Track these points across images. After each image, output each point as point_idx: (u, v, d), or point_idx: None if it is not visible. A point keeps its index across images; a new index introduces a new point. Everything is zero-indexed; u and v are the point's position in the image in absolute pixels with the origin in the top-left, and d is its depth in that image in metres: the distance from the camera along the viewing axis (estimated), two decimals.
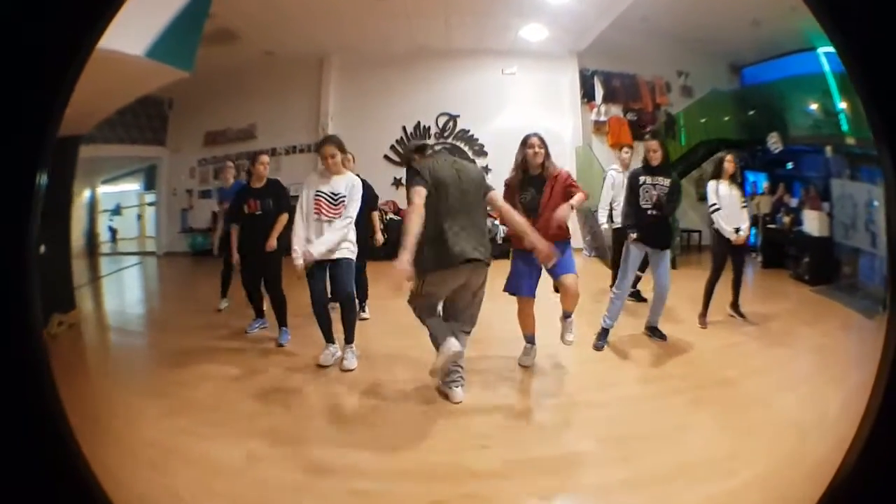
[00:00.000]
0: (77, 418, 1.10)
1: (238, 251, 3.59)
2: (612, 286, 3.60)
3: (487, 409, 2.69)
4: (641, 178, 3.48)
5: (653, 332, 3.57)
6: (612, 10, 4.57)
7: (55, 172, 1.07)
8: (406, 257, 2.39)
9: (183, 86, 3.68)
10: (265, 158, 3.61)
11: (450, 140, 4.93)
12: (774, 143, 4.51)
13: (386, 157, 4.82)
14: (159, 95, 4.63)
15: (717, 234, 3.76)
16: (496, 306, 3.00)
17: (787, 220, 4.58)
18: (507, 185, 3.10)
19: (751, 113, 4.97)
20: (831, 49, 1.13)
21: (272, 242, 3.45)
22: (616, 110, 5.22)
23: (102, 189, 4.48)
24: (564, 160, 3.71)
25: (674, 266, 3.64)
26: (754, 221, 4.27)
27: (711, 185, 3.83)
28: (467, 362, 2.84)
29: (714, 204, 3.76)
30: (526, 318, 3.11)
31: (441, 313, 2.79)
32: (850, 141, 3.88)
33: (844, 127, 3.93)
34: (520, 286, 3.04)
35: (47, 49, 1.02)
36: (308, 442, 2.44)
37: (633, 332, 3.61)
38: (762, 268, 4.73)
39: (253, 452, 2.28)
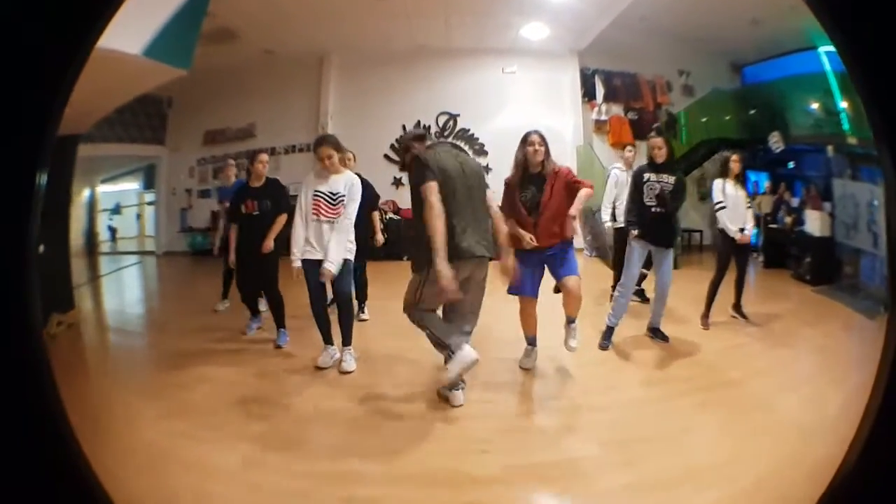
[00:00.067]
0: (77, 418, 1.10)
1: (235, 251, 3.58)
2: (613, 287, 3.59)
3: (488, 412, 2.66)
4: (646, 176, 3.46)
5: (655, 333, 3.55)
6: (612, 8, 4.55)
7: (54, 172, 1.06)
8: (445, 266, 2.43)
9: (182, 84, 3.67)
10: (264, 157, 3.59)
11: (450, 139, 4.92)
12: (776, 142, 4.50)
13: (386, 156, 4.81)
14: (158, 94, 4.61)
15: (722, 234, 3.73)
16: (496, 306, 2.98)
17: (788, 219, 4.57)
18: (507, 183, 3.07)
19: (752, 112, 4.95)
20: (832, 48, 1.13)
21: (268, 244, 3.42)
22: (617, 109, 5.20)
23: (102, 188, 4.49)
24: (565, 159, 3.68)
25: (676, 266, 3.61)
26: (757, 222, 4.25)
27: (717, 183, 3.80)
28: None
29: (720, 202, 3.73)
30: (528, 319, 3.09)
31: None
32: (852, 140, 3.87)
33: (846, 126, 3.91)
34: (522, 286, 3.01)
35: (46, 49, 1.02)
36: (306, 446, 2.42)
37: (636, 334, 3.59)
38: (763, 268, 4.71)
39: (249, 457, 2.26)
